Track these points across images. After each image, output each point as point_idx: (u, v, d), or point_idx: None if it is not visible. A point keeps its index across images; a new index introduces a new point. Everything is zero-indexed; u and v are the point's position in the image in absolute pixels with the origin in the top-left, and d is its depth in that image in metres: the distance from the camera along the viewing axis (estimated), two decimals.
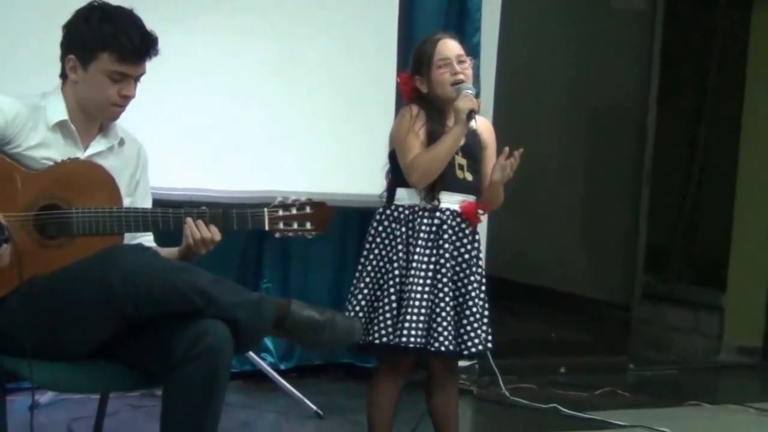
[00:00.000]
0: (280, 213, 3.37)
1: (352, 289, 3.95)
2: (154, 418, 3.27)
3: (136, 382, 3.37)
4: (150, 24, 3.37)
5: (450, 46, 3.92)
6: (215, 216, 3.34)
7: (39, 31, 4.34)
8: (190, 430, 3.15)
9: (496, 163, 3.90)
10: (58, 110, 3.34)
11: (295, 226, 3.38)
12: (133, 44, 3.28)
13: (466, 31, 5.59)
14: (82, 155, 3.37)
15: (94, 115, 3.39)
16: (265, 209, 3.36)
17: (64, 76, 3.38)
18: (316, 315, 3.32)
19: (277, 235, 3.40)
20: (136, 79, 3.35)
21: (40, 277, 3.13)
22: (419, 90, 3.94)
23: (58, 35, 3.39)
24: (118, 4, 3.39)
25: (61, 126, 3.34)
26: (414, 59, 3.99)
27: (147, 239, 3.52)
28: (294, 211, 3.38)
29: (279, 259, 5.50)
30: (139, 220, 3.28)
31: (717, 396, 6.06)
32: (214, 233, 3.32)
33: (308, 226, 3.40)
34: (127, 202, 3.41)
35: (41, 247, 3.18)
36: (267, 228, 3.36)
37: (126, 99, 3.34)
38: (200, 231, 3.31)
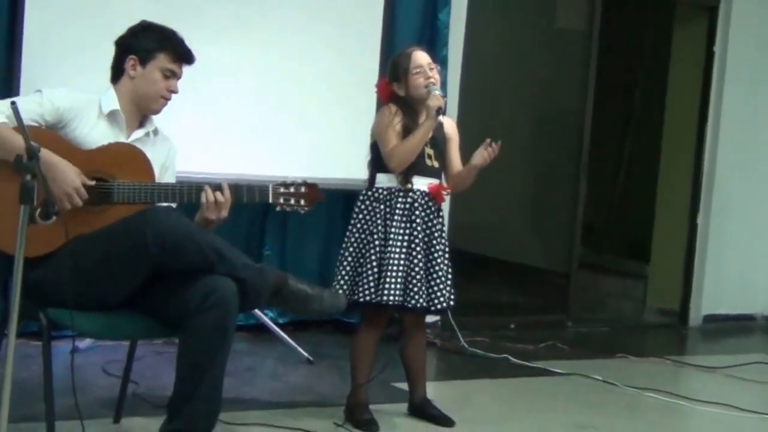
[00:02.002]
0: (282, 190, 3.42)
1: (339, 258, 3.97)
2: (173, 362, 3.28)
3: (159, 331, 3.39)
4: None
5: (422, 56, 3.96)
6: (229, 187, 3.38)
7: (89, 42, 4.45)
8: (203, 368, 3.18)
9: (478, 151, 3.93)
10: (111, 102, 3.44)
11: (292, 201, 3.43)
12: (184, 49, 3.47)
13: (436, 45, 5.56)
14: (125, 140, 3.44)
15: (143, 107, 3.48)
16: (270, 185, 3.42)
17: (117, 77, 3.48)
18: (308, 289, 3.40)
19: (278, 208, 3.44)
20: (178, 78, 3.49)
21: (83, 235, 3.17)
22: (397, 93, 3.97)
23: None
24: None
25: (112, 114, 3.42)
26: (391, 69, 4.02)
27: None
28: (293, 190, 3.43)
29: (278, 233, 5.49)
30: (168, 192, 3.34)
31: (641, 350, 6.04)
32: (226, 197, 3.34)
33: (302, 203, 3.44)
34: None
35: (86, 212, 3.22)
36: (271, 201, 3.41)
37: (171, 94, 3.47)
38: (215, 196, 3.33)
